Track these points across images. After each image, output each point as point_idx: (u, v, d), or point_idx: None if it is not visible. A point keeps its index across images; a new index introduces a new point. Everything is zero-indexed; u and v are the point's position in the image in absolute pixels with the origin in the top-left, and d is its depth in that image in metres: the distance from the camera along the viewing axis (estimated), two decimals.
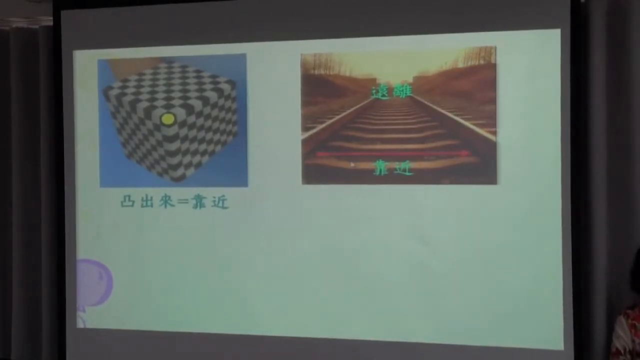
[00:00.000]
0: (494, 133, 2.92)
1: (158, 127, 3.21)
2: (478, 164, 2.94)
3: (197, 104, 3.17)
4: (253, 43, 3.13)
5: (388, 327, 3.03)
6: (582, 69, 2.91)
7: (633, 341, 2.75)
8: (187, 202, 3.22)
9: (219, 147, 3.18)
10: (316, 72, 3.07)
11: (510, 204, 2.91)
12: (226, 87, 3.16)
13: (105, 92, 3.28)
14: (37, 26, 3.49)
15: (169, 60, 3.21)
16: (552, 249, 2.87)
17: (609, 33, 2.93)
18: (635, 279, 2.81)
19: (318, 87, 3.07)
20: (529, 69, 2.89)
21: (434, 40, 2.97)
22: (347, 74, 3.04)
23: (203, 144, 3.18)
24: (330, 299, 3.07)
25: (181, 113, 3.18)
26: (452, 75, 2.95)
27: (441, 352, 2.98)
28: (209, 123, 3.17)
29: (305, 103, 3.08)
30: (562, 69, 2.86)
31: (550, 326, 2.88)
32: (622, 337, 2.77)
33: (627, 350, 2.75)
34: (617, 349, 2.78)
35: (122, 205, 3.28)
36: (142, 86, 3.23)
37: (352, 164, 3.04)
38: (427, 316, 3.00)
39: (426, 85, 2.97)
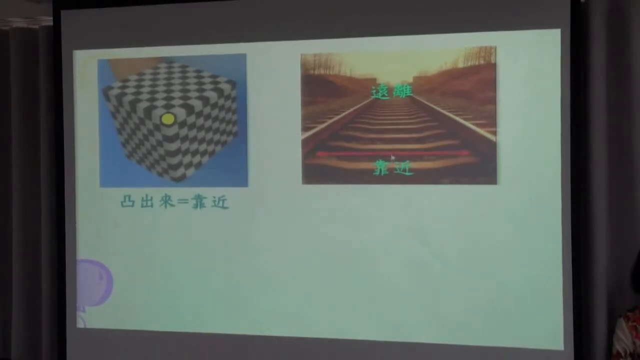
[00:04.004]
0: (494, 133, 2.92)
1: (158, 127, 3.21)
2: (478, 164, 2.94)
3: (197, 104, 3.17)
4: (253, 43, 3.13)
5: (388, 327, 3.03)
6: (582, 69, 2.91)
7: (634, 343, 2.74)
8: (187, 202, 3.22)
9: (219, 147, 3.18)
10: (316, 72, 3.08)
11: (510, 204, 2.91)
12: (226, 87, 3.16)
13: (105, 92, 3.28)
14: (37, 26, 3.49)
15: (169, 60, 3.21)
16: (552, 249, 2.87)
17: (609, 33, 2.93)
18: (636, 280, 2.81)
19: (318, 87, 3.07)
20: (529, 69, 2.89)
21: (434, 40, 2.97)
22: (347, 74, 3.05)
23: (203, 144, 3.19)
24: (330, 299, 3.07)
25: (181, 113, 3.18)
26: (452, 75, 2.95)
27: (441, 352, 2.98)
28: (209, 123, 3.17)
29: (305, 103, 3.08)
30: (562, 69, 2.86)
31: (550, 326, 2.88)
32: (623, 340, 2.76)
33: (628, 352, 2.75)
34: (617, 351, 2.77)
35: (122, 205, 3.28)
36: (142, 86, 3.23)
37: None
38: (427, 316, 3.00)
39: (426, 85, 2.97)
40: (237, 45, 3.14)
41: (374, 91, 3.02)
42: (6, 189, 3.56)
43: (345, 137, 3.05)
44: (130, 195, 3.27)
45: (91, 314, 3.33)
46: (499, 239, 2.93)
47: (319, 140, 3.07)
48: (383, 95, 3.02)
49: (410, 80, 2.99)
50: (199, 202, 3.20)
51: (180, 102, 3.19)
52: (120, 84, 3.26)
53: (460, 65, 2.94)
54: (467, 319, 2.96)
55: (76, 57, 3.31)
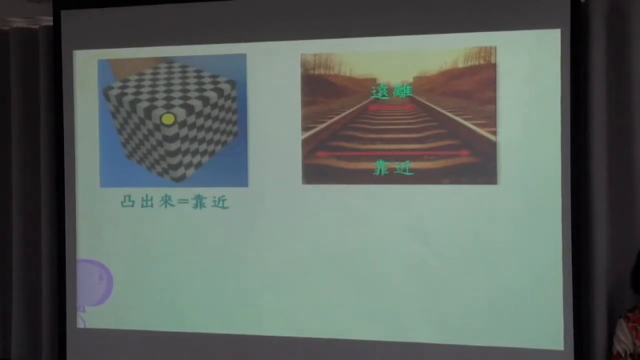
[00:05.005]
0: (494, 133, 2.92)
1: (158, 127, 3.21)
2: (478, 164, 2.94)
3: (197, 104, 3.17)
4: (253, 43, 3.13)
5: (388, 327, 3.03)
6: (582, 69, 2.91)
7: (634, 344, 2.74)
8: (187, 202, 3.22)
9: (219, 147, 3.18)
10: (316, 72, 3.08)
11: (510, 204, 2.91)
12: (226, 87, 3.16)
13: (105, 92, 3.28)
14: (37, 26, 3.49)
15: (169, 60, 3.21)
16: (552, 249, 2.87)
17: (609, 33, 2.93)
18: (636, 280, 2.81)
19: (318, 87, 3.07)
20: (529, 69, 2.89)
21: (434, 40, 2.97)
22: (347, 74, 3.04)
23: (203, 144, 3.19)
24: (330, 299, 3.07)
25: (181, 113, 3.18)
26: (452, 75, 2.95)
27: (441, 352, 2.98)
28: (209, 123, 3.17)
29: (305, 103, 3.08)
30: (562, 69, 2.86)
31: (550, 326, 2.88)
32: (623, 341, 2.76)
33: (629, 353, 2.75)
34: (617, 352, 2.77)
35: (122, 206, 3.28)
36: (142, 86, 3.23)
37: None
38: (427, 316, 3.00)
39: (426, 85, 2.97)
40: (237, 45, 3.14)
41: (374, 91, 3.02)
42: (6, 189, 3.56)
43: (345, 137, 3.05)
44: (130, 195, 3.27)
45: (91, 314, 3.33)
46: (499, 239, 2.93)
47: (319, 140, 3.07)
48: (383, 95, 3.02)
49: (410, 80, 2.99)
50: (199, 202, 3.20)
51: (180, 102, 3.19)
52: (120, 84, 3.26)
53: (460, 65, 2.94)
54: (467, 319, 2.96)
55: (76, 57, 3.31)
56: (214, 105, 3.17)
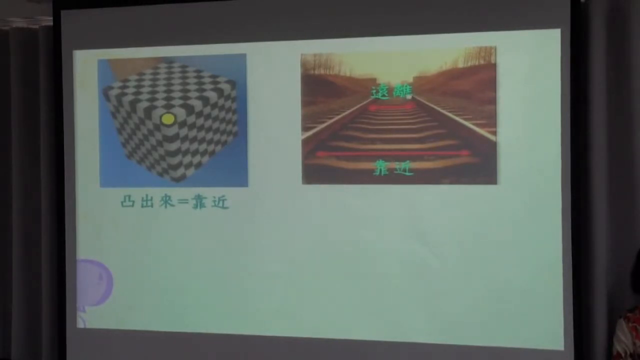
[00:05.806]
0: (494, 133, 2.92)
1: (158, 127, 3.21)
2: (478, 164, 2.94)
3: (197, 104, 3.18)
4: (253, 43, 3.13)
5: (388, 327, 3.03)
6: (582, 69, 2.92)
7: (634, 344, 2.74)
8: (187, 202, 3.22)
9: (219, 147, 3.18)
10: (316, 72, 3.08)
11: (510, 204, 2.91)
12: (226, 87, 3.16)
13: (105, 92, 3.28)
14: (37, 26, 3.49)
15: (169, 60, 3.21)
16: (552, 249, 2.87)
17: (609, 33, 2.93)
18: (636, 280, 2.81)
19: (318, 87, 3.07)
20: (529, 69, 2.89)
21: (434, 40, 2.97)
22: (347, 74, 3.05)
23: (203, 144, 3.19)
24: (330, 298, 3.07)
25: (181, 113, 3.18)
26: (452, 75, 2.95)
27: (441, 352, 2.98)
28: (209, 123, 3.17)
29: (305, 103, 3.08)
30: (562, 69, 2.86)
31: (550, 326, 2.88)
32: (623, 341, 2.76)
33: (629, 353, 2.75)
34: (618, 352, 2.77)
35: (122, 205, 3.28)
36: (142, 86, 3.23)
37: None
38: (427, 316, 3.00)
39: (426, 85, 2.98)
40: (237, 45, 3.15)
41: (374, 91, 3.02)
42: (6, 189, 3.56)
43: (345, 137, 3.05)
44: (130, 195, 3.27)
45: (91, 314, 3.33)
46: (499, 239, 2.93)
47: (319, 140, 3.07)
48: (383, 95, 3.02)
49: (410, 80, 2.99)
50: (199, 202, 3.20)
51: (180, 102, 3.19)
52: (120, 84, 3.26)
53: (460, 65, 2.94)
54: (467, 319, 2.96)
55: (76, 57, 3.31)
56: (214, 105, 3.17)
